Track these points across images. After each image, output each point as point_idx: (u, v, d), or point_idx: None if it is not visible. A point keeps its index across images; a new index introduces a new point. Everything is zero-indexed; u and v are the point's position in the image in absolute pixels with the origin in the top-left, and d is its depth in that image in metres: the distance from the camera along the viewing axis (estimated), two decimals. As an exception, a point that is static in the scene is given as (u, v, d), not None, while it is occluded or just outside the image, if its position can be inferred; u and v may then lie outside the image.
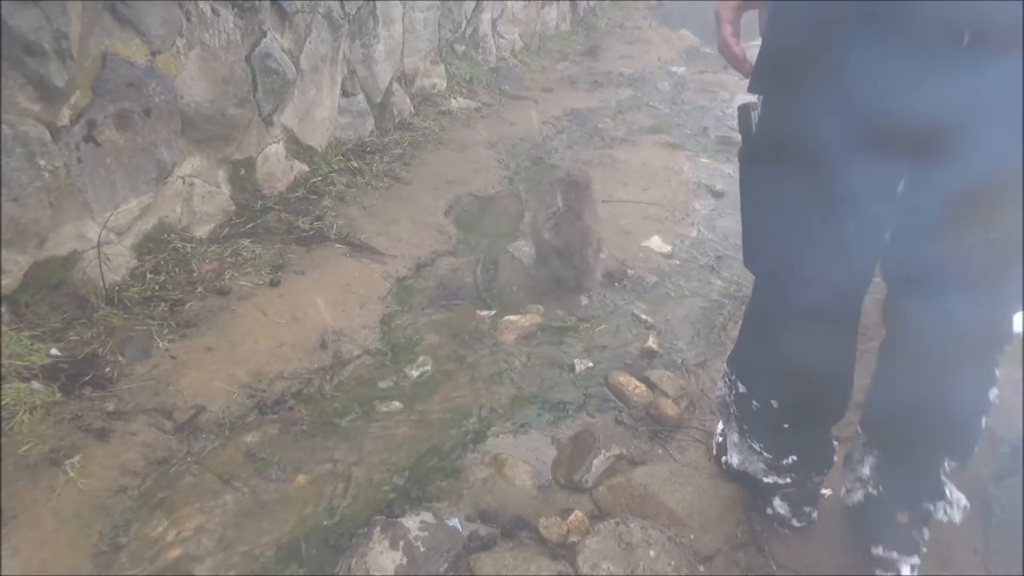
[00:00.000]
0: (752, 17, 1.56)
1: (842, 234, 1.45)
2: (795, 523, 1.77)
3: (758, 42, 1.48)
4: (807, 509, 1.77)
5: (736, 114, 1.59)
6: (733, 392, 1.79)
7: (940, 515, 1.59)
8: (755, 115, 1.54)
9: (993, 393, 1.55)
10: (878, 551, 1.62)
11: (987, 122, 1.25)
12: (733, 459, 1.85)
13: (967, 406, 1.54)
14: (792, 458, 1.72)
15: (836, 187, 1.40)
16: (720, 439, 1.99)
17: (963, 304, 1.44)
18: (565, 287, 2.87)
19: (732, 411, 1.81)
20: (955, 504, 1.60)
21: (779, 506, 1.77)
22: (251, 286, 2.56)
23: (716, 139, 4.73)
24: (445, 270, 3.01)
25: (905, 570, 1.59)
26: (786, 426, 1.69)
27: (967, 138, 1.26)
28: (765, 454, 1.74)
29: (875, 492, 1.64)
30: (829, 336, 1.58)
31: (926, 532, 1.61)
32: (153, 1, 2.35)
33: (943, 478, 1.59)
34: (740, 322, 1.86)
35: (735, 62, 1.57)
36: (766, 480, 1.77)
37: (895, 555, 1.60)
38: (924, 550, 1.61)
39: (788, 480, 1.74)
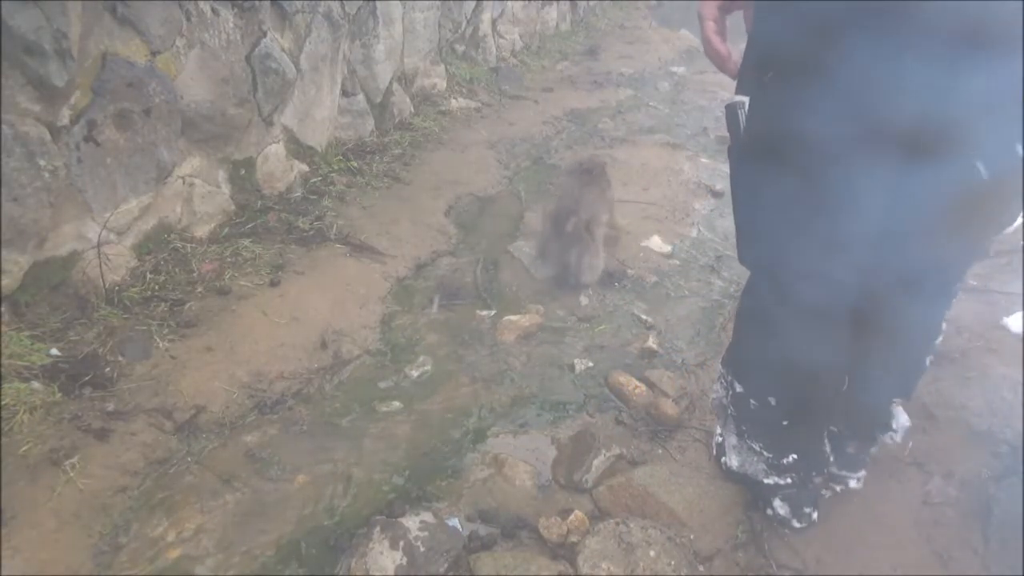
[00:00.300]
0: (739, 19, 1.56)
1: (831, 230, 1.47)
2: (796, 524, 1.77)
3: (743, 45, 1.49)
4: (807, 510, 1.77)
5: (724, 113, 1.61)
6: (730, 393, 1.79)
7: (887, 440, 1.85)
8: (742, 114, 1.56)
9: (939, 340, 1.73)
10: (832, 469, 1.85)
11: (971, 122, 1.28)
12: (732, 462, 1.85)
13: (919, 355, 1.74)
14: (792, 457, 1.73)
15: (825, 185, 1.42)
16: (720, 439, 1.99)
17: (934, 297, 1.64)
18: (564, 273, 2.84)
19: (730, 412, 1.81)
20: (899, 430, 1.85)
21: (779, 507, 1.77)
22: (251, 286, 2.56)
23: (716, 139, 4.72)
24: (445, 270, 3.01)
25: (852, 482, 1.85)
26: (785, 423, 1.70)
27: (950, 138, 1.29)
28: (765, 453, 1.75)
29: (835, 430, 1.81)
30: (823, 331, 1.60)
31: (873, 449, 1.85)
32: (153, 1, 2.35)
33: (891, 410, 1.83)
34: (733, 322, 1.88)
35: (719, 61, 1.54)
36: (767, 481, 1.77)
37: (845, 473, 1.86)
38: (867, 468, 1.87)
39: (789, 480, 1.75)
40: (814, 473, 1.76)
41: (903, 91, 1.28)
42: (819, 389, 1.67)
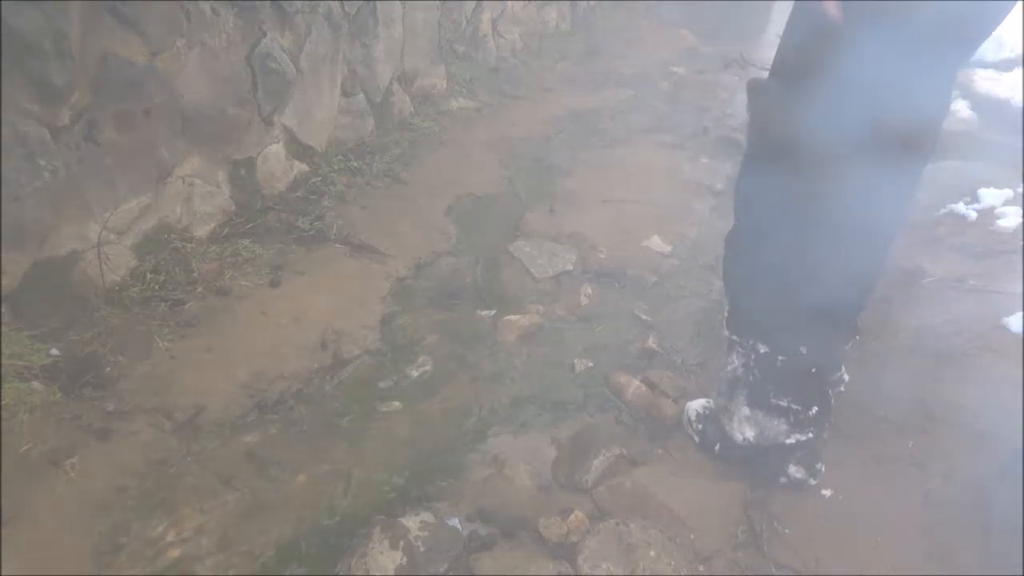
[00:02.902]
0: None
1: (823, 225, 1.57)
2: (811, 481, 1.84)
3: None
4: (818, 466, 1.85)
5: (746, 91, 1.65)
6: (752, 356, 1.80)
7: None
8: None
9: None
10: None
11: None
12: (748, 434, 1.85)
13: (866, 295, 1.87)
14: (815, 409, 1.78)
15: (826, 180, 1.50)
16: (699, 426, 2.01)
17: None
18: None
19: (751, 378, 1.81)
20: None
21: (795, 471, 1.83)
22: (251, 286, 2.56)
23: (716, 139, 4.72)
24: (445, 270, 3.00)
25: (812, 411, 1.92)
26: (813, 370, 1.75)
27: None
28: (794, 407, 1.77)
29: None
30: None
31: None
32: (153, 1, 2.35)
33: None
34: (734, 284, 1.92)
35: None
36: (788, 442, 1.80)
37: None
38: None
39: (810, 435, 1.79)
40: (826, 423, 1.82)
41: (916, 93, 1.31)
42: (842, 324, 1.75)
